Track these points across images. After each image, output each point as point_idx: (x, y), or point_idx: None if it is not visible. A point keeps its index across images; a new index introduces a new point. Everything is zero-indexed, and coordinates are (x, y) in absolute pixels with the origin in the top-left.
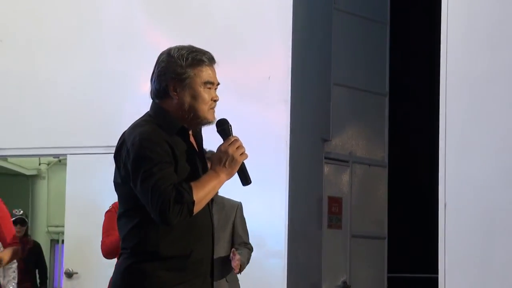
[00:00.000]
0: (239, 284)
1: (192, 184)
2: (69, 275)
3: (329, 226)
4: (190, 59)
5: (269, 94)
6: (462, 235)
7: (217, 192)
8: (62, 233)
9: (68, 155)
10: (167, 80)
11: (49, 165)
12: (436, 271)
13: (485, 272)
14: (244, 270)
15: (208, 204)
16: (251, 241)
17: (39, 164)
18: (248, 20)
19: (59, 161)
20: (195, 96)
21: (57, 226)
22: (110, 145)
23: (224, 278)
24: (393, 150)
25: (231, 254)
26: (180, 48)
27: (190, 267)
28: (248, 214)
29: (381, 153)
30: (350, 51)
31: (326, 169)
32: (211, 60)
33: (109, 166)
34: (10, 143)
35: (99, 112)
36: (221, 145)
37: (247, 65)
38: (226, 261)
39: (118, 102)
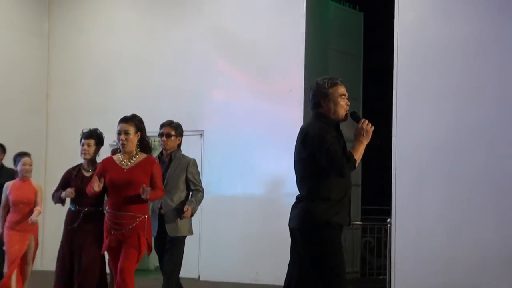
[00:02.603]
0: (190, 220)
1: (350, 150)
2: None
3: None
4: (329, 83)
5: (290, 101)
6: (406, 181)
7: (179, 150)
8: None
9: None
10: (318, 97)
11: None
12: (390, 203)
13: (418, 202)
14: (265, 206)
15: None
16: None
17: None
18: (278, 54)
19: None
20: (336, 104)
21: None
22: (193, 129)
23: (179, 218)
24: None
25: (185, 207)
26: (323, 78)
27: (342, 205)
28: (277, 170)
29: None
30: (340, 74)
31: None
32: (342, 82)
33: (193, 144)
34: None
35: (186, 111)
36: (357, 125)
37: (277, 82)
38: (181, 207)
39: (197, 105)
